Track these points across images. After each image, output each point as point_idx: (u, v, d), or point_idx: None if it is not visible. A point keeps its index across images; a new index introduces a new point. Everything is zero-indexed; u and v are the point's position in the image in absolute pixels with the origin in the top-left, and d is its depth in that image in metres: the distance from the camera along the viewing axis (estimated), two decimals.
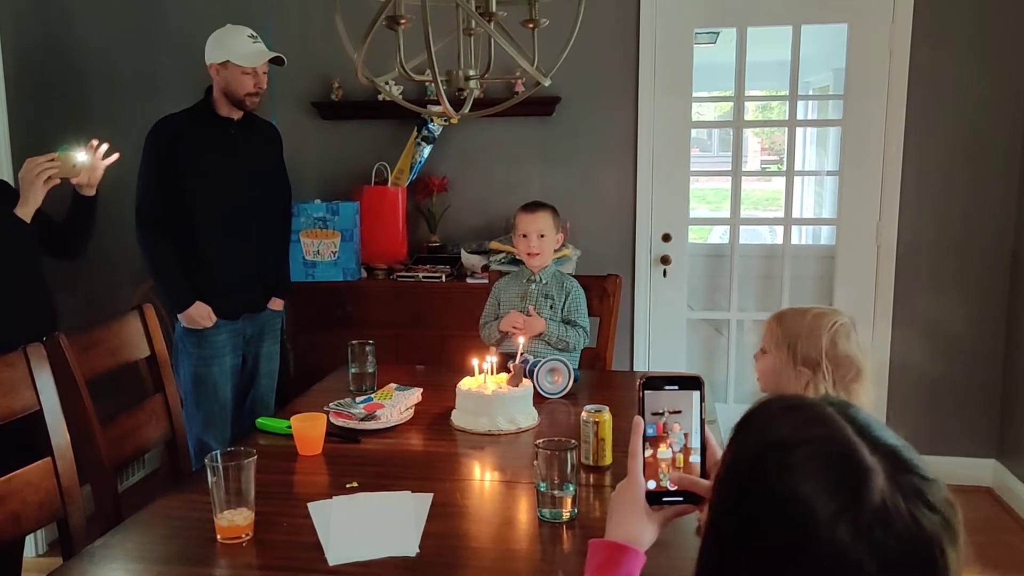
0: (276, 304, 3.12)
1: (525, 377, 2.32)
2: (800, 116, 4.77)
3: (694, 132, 3.87)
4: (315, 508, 1.70)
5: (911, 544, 0.66)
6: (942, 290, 3.60)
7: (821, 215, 5.21)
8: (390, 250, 3.70)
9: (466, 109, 1.86)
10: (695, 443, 1.09)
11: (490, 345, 2.79)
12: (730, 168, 3.79)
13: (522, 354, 2.41)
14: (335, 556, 1.50)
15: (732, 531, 0.72)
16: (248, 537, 1.57)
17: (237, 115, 2.91)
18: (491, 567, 1.50)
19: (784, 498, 0.67)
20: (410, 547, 1.53)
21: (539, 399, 2.41)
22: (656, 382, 1.09)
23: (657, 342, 3.83)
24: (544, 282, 2.85)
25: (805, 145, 6.03)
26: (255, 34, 2.87)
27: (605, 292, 3.01)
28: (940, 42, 3.47)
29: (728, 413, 3.78)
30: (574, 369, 2.48)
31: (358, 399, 2.28)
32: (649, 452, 1.08)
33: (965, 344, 3.60)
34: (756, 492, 0.70)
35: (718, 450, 1.09)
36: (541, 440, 1.70)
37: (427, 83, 2.21)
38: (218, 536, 1.56)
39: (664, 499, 1.07)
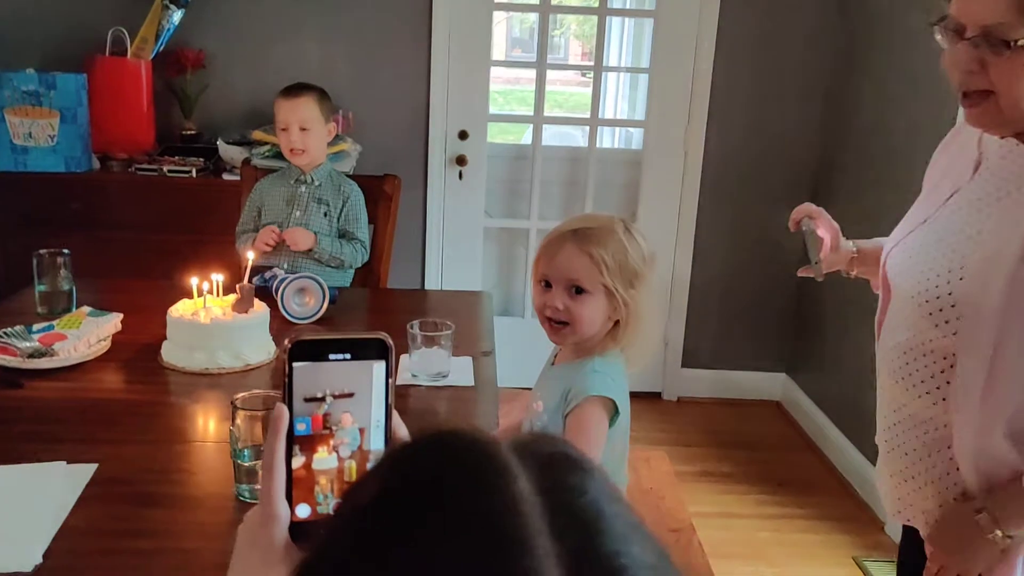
0: None
1: (264, 302, 1.87)
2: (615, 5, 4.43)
3: (516, 29, 3.43)
4: None
5: None
6: (746, 203, 3.44)
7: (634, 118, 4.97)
8: (132, 137, 3.06)
9: None
10: (376, 443, 0.70)
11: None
12: (535, 59, 3.40)
13: (259, 271, 1.95)
14: None
15: None
16: None
17: None
18: None
19: None
20: (28, 557, 1.07)
21: (287, 326, 1.98)
22: (312, 348, 0.68)
23: (450, 253, 3.45)
24: (316, 184, 2.38)
25: (622, 42, 5.72)
26: None
27: (383, 195, 2.58)
28: None
29: (524, 329, 3.53)
30: (330, 288, 2.05)
31: (34, 327, 1.75)
32: (300, 460, 0.68)
33: (765, 259, 3.49)
34: None
35: None
36: (240, 395, 1.28)
37: None
38: None
39: None
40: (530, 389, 2.68)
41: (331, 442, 0.69)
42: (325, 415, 0.68)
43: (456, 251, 3.45)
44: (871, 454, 2.85)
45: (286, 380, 0.68)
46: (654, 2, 3.38)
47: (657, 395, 3.53)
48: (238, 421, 1.25)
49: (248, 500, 1.25)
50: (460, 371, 1.78)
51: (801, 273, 1.47)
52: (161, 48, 3.08)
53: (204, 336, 1.70)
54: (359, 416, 0.69)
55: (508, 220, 3.62)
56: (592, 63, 3.58)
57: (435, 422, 1.57)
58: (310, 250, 2.32)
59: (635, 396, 1.48)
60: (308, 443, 0.68)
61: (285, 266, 2.30)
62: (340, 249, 2.35)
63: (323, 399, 0.68)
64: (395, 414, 0.72)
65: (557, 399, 1.43)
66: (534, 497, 0.39)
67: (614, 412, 1.39)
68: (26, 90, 2.81)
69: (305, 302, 2.04)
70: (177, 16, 3.05)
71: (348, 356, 0.69)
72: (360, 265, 2.46)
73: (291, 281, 2.01)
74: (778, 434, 3.35)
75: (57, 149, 2.87)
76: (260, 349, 1.78)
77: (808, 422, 3.33)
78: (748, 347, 3.58)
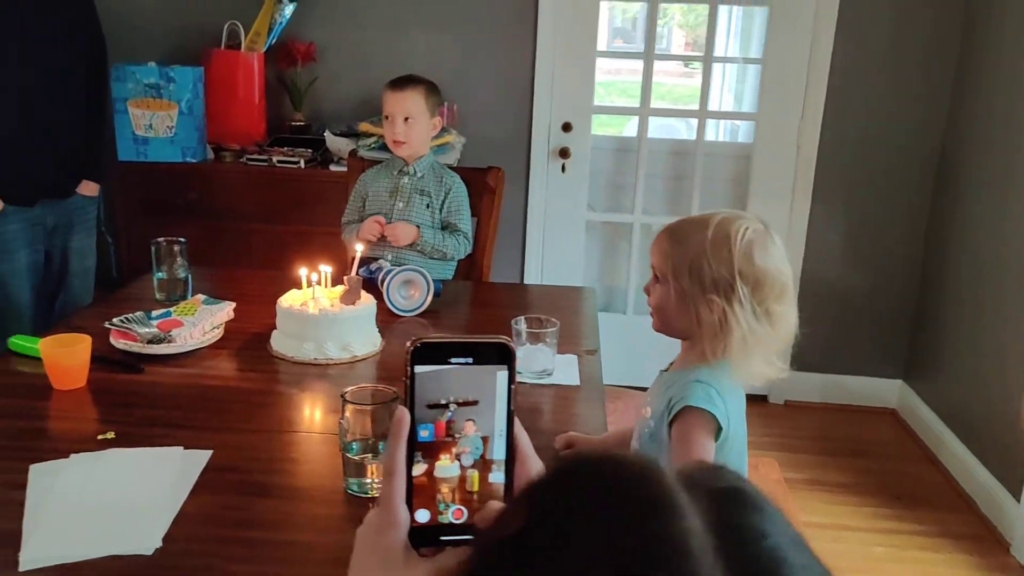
0: (88, 188, 2.56)
1: (370, 293, 1.87)
2: None
3: (617, 19, 3.36)
4: (38, 473, 1.24)
5: None
6: (863, 200, 3.27)
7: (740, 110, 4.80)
8: (244, 128, 3.14)
9: None
10: (498, 452, 0.67)
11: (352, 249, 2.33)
12: (642, 50, 3.32)
13: (367, 263, 1.96)
14: (32, 555, 1.06)
15: None
16: None
17: None
18: (252, 573, 1.08)
19: None
20: (148, 540, 1.09)
21: (392, 318, 1.98)
22: (435, 351, 0.65)
23: (552, 247, 3.41)
24: (419, 175, 2.38)
25: (729, 32, 5.54)
26: None
27: (486, 188, 2.55)
28: None
29: (627, 325, 3.47)
30: (435, 281, 2.04)
31: (153, 314, 1.80)
32: (422, 467, 0.65)
33: (882, 258, 3.32)
34: None
35: (533, 463, 0.68)
36: (350, 388, 1.27)
37: None
38: None
39: (445, 538, 0.65)
40: (633, 387, 2.62)
41: (453, 450, 0.65)
42: (448, 422, 0.65)
43: (557, 245, 3.41)
44: (997, 469, 2.68)
45: (408, 383, 0.65)
46: None
47: (763, 398, 3.40)
48: (347, 414, 1.25)
49: (356, 494, 1.24)
50: (565, 369, 1.73)
51: None
52: (273, 41, 3.15)
53: (313, 327, 1.71)
54: (482, 424, 0.66)
55: (611, 214, 3.55)
56: (696, 53, 3.47)
57: (542, 423, 1.54)
58: (413, 243, 2.32)
59: None
60: (430, 450, 0.65)
61: (390, 257, 2.31)
62: (443, 241, 2.34)
63: (446, 406, 0.65)
64: (517, 422, 0.69)
65: (663, 406, 1.36)
66: (705, 536, 0.34)
67: (717, 427, 1.30)
68: (147, 83, 2.91)
69: (410, 295, 2.03)
70: (289, 10, 3.11)
71: (470, 360, 0.65)
72: (463, 257, 2.44)
73: (397, 273, 2.01)
74: (894, 443, 3.18)
75: (175, 140, 2.96)
76: (367, 341, 1.78)
77: (927, 432, 3.14)
78: (862, 351, 3.41)
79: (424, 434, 0.65)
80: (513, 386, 0.67)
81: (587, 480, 0.38)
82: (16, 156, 2.34)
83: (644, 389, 2.48)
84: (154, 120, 2.94)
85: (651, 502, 0.35)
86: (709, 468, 0.41)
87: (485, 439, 0.66)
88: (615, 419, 1.68)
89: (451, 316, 2.07)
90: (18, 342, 1.69)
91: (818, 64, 3.13)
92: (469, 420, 0.65)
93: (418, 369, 0.64)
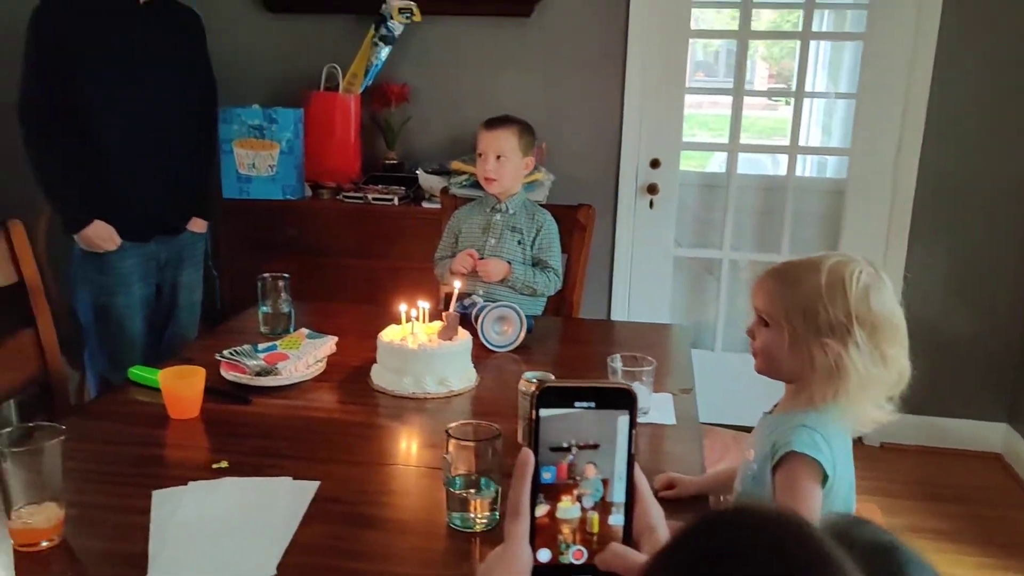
0: (197, 225, 2.70)
1: (464, 328, 1.91)
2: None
3: (699, 52, 3.37)
4: (160, 499, 1.31)
5: None
6: (963, 235, 3.17)
7: (829, 145, 4.72)
8: (341, 166, 3.25)
9: None
10: (618, 495, 0.68)
11: (445, 285, 2.39)
12: (731, 86, 3.31)
13: (461, 298, 2.00)
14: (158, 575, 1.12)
15: None
16: (53, 543, 1.18)
17: None
18: None
19: None
20: (265, 568, 1.14)
21: (485, 353, 2.02)
22: (559, 395, 0.67)
23: (639, 283, 3.41)
24: (511, 212, 2.43)
25: (816, 69, 5.47)
26: None
27: (576, 225, 2.58)
28: None
29: (716, 362, 3.43)
30: (527, 317, 2.07)
31: (260, 347, 1.88)
32: (544, 508, 0.67)
33: (985, 297, 3.20)
34: None
35: (651, 505, 0.69)
36: (454, 424, 1.31)
37: None
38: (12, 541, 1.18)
39: None
40: (720, 425, 2.58)
41: (575, 492, 0.67)
42: (570, 465, 0.67)
43: (644, 280, 3.41)
44: None
45: (533, 426, 0.67)
46: (862, 24, 3.20)
47: (858, 440, 3.29)
48: (451, 450, 1.28)
49: (459, 528, 1.26)
50: (661, 408, 1.73)
51: None
52: (369, 83, 3.27)
53: (412, 361, 1.76)
54: (603, 467, 0.67)
55: (699, 250, 3.53)
56: (781, 84, 3.44)
57: (639, 462, 1.53)
58: (504, 279, 2.36)
59: None
60: (552, 491, 0.67)
61: (481, 292, 2.35)
62: (533, 277, 2.38)
63: (569, 449, 0.67)
64: (636, 466, 0.70)
65: (767, 449, 1.35)
66: None
67: (824, 474, 1.28)
68: (251, 124, 3.06)
69: (503, 330, 2.07)
70: (385, 53, 3.23)
71: (592, 404, 0.67)
72: (553, 293, 2.47)
73: (491, 310, 2.05)
74: (998, 489, 3.04)
75: (276, 178, 3.09)
76: (463, 376, 1.81)
77: None
78: (963, 393, 3.28)
79: (547, 476, 0.67)
80: (634, 430, 0.68)
81: (743, 536, 0.39)
82: (136, 195, 2.49)
83: (732, 427, 2.45)
84: (257, 159, 3.08)
85: (814, 559, 0.36)
86: (858, 522, 0.42)
87: (605, 481, 0.68)
88: (719, 467, 1.66)
89: (542, 352, 2.09)
90: (137, 372, 1.78)
91: (915, 98, 3.07)
92: (590, 463, 0.67)
93: (543, 413, 0.66)
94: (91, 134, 2.40)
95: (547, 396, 0.67)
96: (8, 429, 1.17)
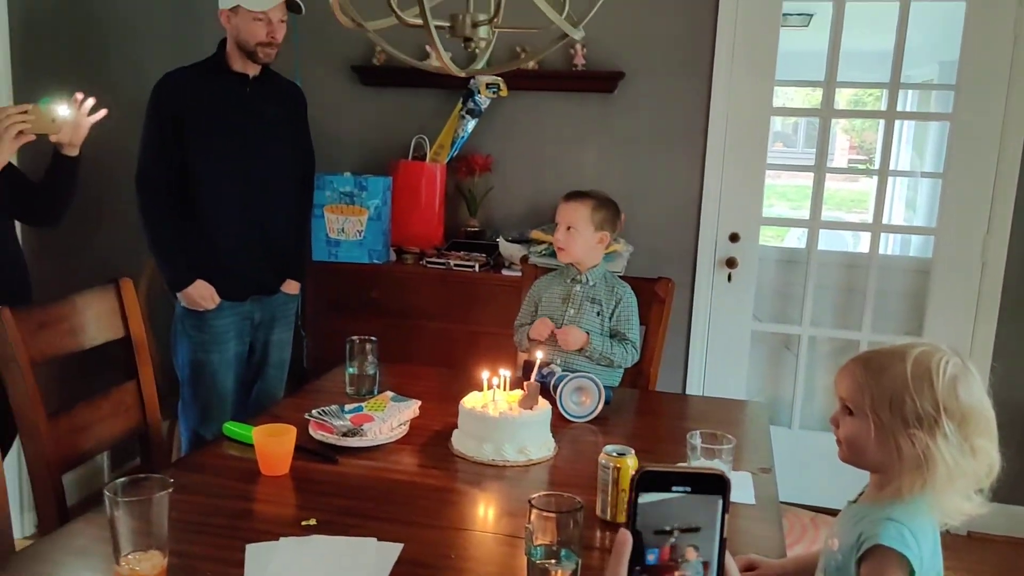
0: (291, 287, 2.82)
1: (543, 397, 1.94)
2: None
3: (777, 123, 3.41)
4: (253, 553, 1.36)
5: None
6: None
7: (913, 223, 4.66)
8: (424, 233, 3.36)
9: (479, 64, 1.50)
10: None
11: (523, 352, 2.44)
12: (813, 163, 3.32)
13: (541, 367, 2.03)
14: None
15: None
16: None
17: (253, 71, 2.60)
18: None
19: None
20: None
21: (563, 423, 2.04)
22: (659, 479, 0.70)
23: (715, 357, 3.40)
24: (591, 284, 2.47)
25: (899, 144, 5.44)
26: None
27: (655, 297, 2.61)
28: None
29: (792, 440, 3.37)
30: (606, 388, 2.09)
31: (346, 407, 1.95)
32: None
33: None
34: None
35: None
36: (537, 495, 1.33)
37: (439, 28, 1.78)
38: None
39: None
40: (798, 505, 2.53)
41: (676, 574, 0.70)
42: (672, 547, 0.70)
43: (721, 354, 3.39)
44: None
45: (632, 508, 0.70)
46: (948, 103, 3.19)
47: (944, 529, 3.17)
48: (533, 519, 1.30)
49: None
50: (740, 487, 1.72)
51: None
52: (455, 153, 3.39)
53: (492, 429, 1.80)
54: (703, 550, 0.70)
55: (778, 324, 3.50)
56: (862, 156, 3.43)
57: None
58: (581, 349, 2.39)
59: None
60: (654, 572, 0.70)
61: (559, 361, 2.38)
62: (611, 349, 2.40)
63: (670, 532, 0.70)
64: (726, 548, 0.72)
65: (852, 540, 1.32)
66: None
67: (910, 569, 1.25)
68: (343, 191, 3.20)
69: (582, 401, 2.09)
70: (471, 125, 3.35)
71: (689, 489, 0.70)
72: (630, 365, 2.49)
73: (570, 380, 2.08)
74: None
75: (363, 243, 3.22)
76: (542, 445, 1.84)
77: None
78: None
79: (651, 558, 0.70)
80: (727, 515, 0.71)
81: None
82: (237, 258, 2.62)
83: (809, 507, 2.40)
84: (346, 224, 3.21)
85: None
86: None
87: (706, 564, 0.70)
88: (799, 554, 1.63)
89: (620, 424, 2.11)
90: (232, 428, 1.87)
91: (1005, 177, 3.03)
92: (691, 546, 0.70)
93: (643, 498, 0.69)
94: (200, 200, 2.56)
95: (646, 479, 0.70)
96: (121, 480, 1.24)
